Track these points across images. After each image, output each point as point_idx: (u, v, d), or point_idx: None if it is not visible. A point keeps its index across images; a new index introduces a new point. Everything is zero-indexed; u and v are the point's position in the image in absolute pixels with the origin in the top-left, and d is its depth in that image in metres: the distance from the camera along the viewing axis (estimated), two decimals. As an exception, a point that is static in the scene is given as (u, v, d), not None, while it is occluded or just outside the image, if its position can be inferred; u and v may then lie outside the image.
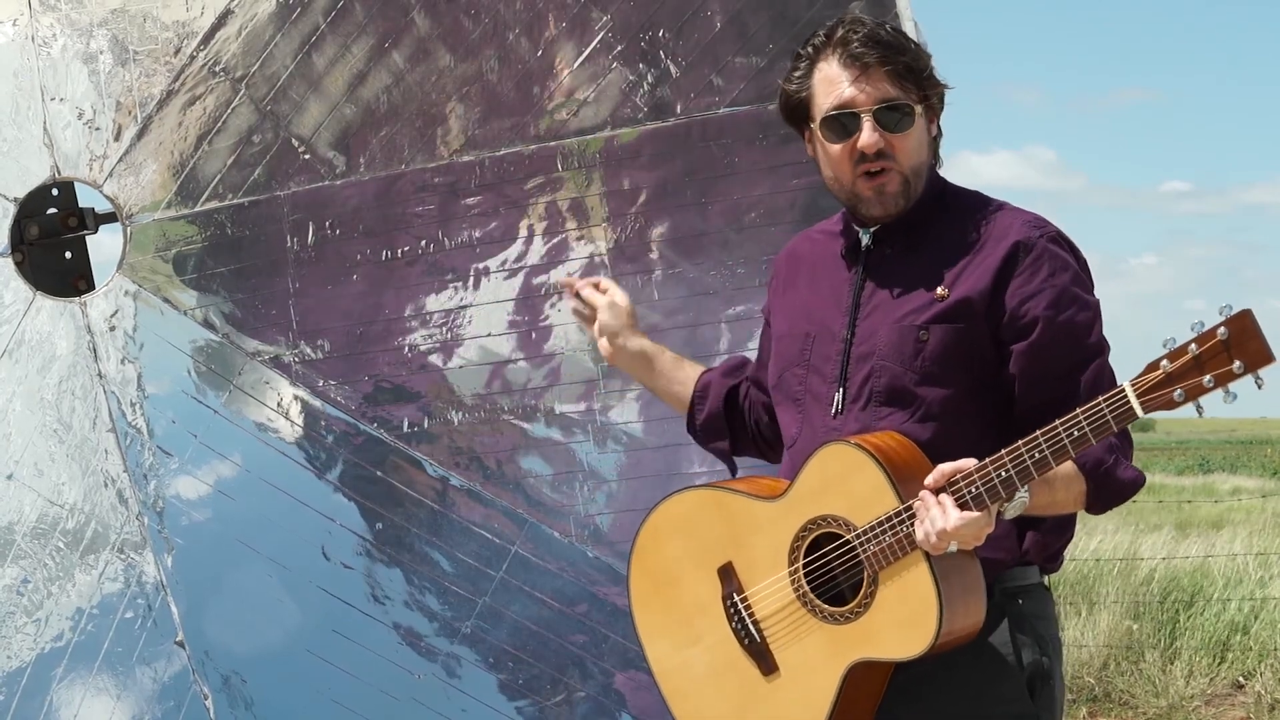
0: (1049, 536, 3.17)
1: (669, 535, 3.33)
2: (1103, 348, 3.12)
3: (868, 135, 3.14)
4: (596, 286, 3.61)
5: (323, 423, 5.65)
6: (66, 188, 5.94)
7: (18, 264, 5.87)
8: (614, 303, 3.56)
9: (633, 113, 5.36)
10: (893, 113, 3.15)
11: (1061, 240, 3.17)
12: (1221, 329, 2.72)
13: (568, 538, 5.43)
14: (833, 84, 3.17)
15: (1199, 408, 2.77)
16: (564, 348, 5.47)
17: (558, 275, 5.44)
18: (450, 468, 5.55)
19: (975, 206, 3.24)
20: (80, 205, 5.98)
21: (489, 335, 5.55)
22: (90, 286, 5.97)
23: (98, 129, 5.80)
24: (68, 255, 6.02)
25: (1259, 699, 9.28)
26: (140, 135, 5.76)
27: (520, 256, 5.53)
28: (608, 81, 5.37)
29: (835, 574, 3.08)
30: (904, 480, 3.00)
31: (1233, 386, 2.72)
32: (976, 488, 2.92)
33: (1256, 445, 53.30)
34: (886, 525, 2.99)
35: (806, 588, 3.10)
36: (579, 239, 5.47)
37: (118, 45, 5.80)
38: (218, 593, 5.57)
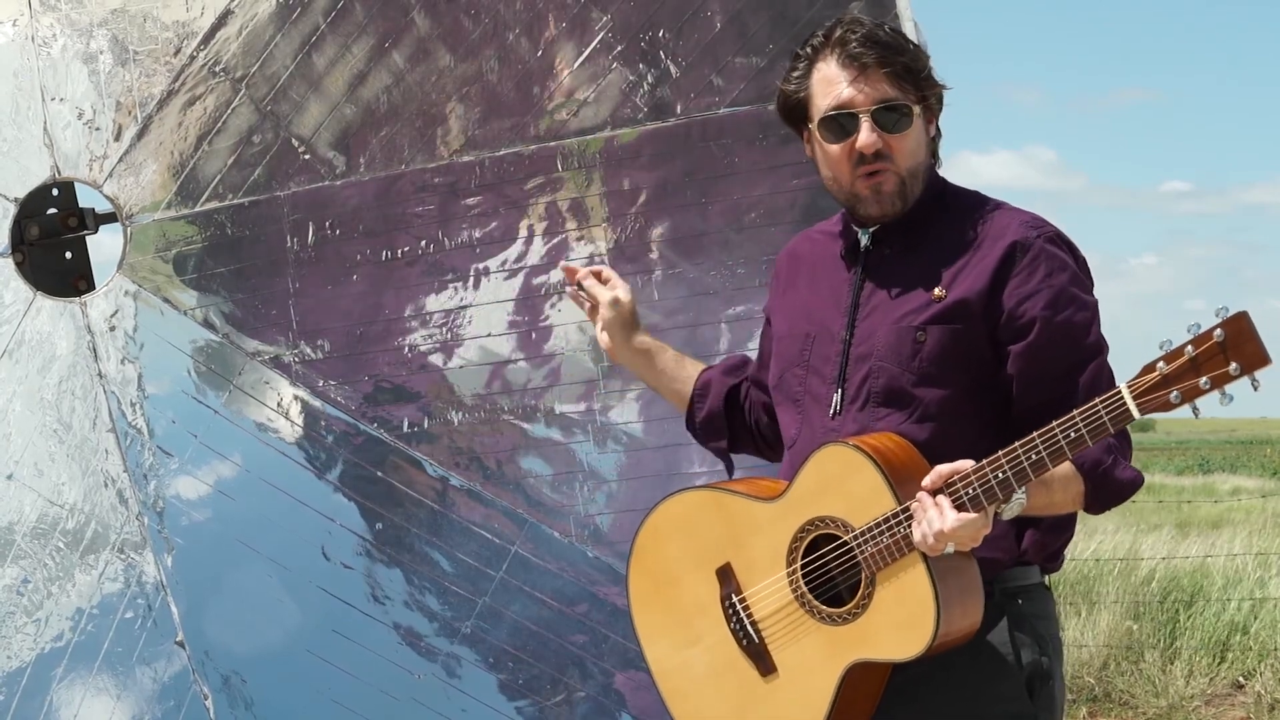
0: (1048, 536, 3.17)
1: (669, 536, 3.33)
2: (1101, 348, 3.11)
3: (865, 135, 3.14)
4: (598, 276, 3.59)
5: (323, 423, 5.65)
6: (66, 188, 5.94)
7: (18, 264, 5.87)
8: (616, 299, 3.55)
9: (633, 113, 5.36)
10: (890, 113, 3.15)
11: (1059, 240, 3.17)
12: (1218, 331, 2.73)
13: (568, 538, 5.43)
14: (831, 84, 3.17)
15: (1195, 409, 2.77)
16: (564, 348, 5.47)
17: (558, 275, 5.44)
18: (450, 468, 5.55)
19: (973, 206, 3.24)
20: (80, 205, 5.98)
21: (489, 335, 5.55)
22: (90, 286, 5.97)
23: (98, 129, 5.80)
24: (68, 255, 6.02)
25: (1259, 699, 9.28)
26: (140, 135, 5.76)
27: (520, 257, 5.53)
28: (608, 81, 5.37)
29: (833, 575, 3.08)
30: (902, 481, 3.00)
31: (1229, 388, 2.73)
32: (973, 489, 2.92)
33: (1256, 445, 53.30)
34: (884, 526, 2.99)
35: (805, 588, 3.10)
36: (579, 239, 5.47)
37: (118, 45, 5.80)
38: (218, 593, 5.57)
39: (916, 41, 3.42)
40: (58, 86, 5.84)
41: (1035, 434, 2.88)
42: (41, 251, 5.94)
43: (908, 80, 3.16)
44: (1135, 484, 3.10)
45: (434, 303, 5.59)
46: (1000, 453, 2.91)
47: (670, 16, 5.27)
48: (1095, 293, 3.18)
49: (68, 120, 5.82)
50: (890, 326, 3.16)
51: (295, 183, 5.67)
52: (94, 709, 5.45)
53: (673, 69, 5.29)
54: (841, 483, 3.05)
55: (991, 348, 3.12)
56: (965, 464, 2.94)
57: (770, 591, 3.14)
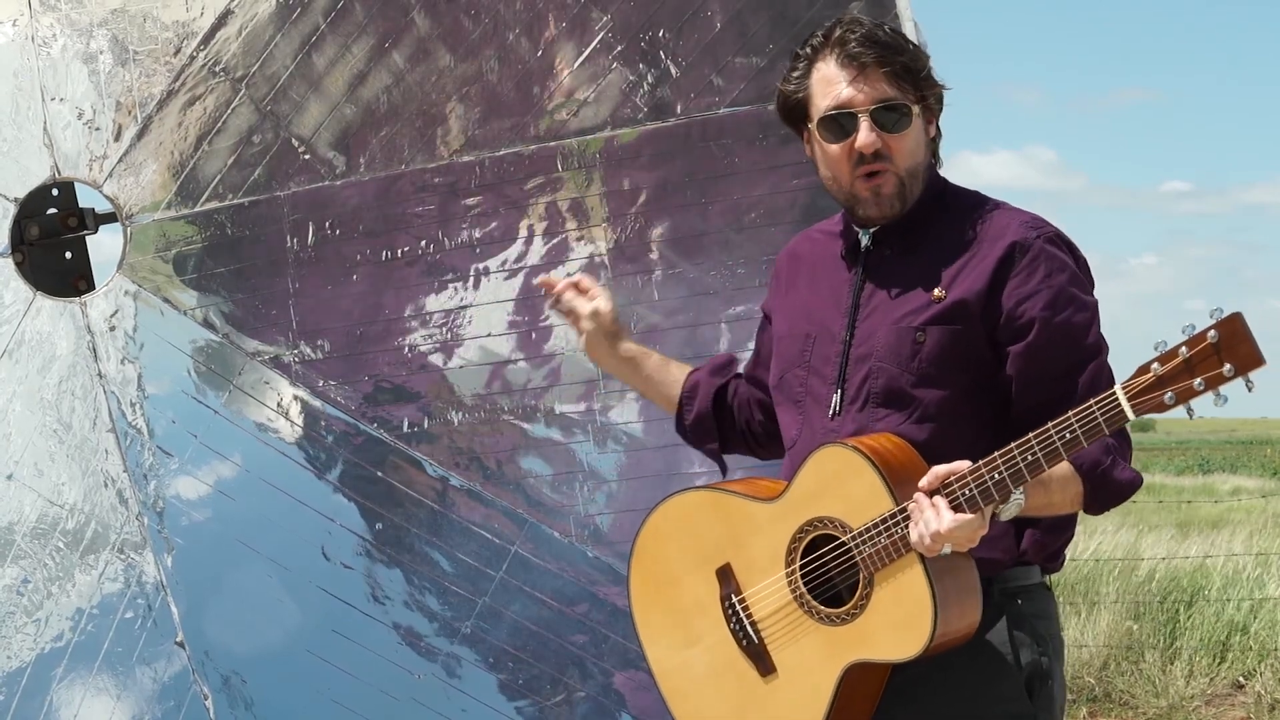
0: (1047, 537, 3.17)
1: (669, 536, 3.33)
2: (1100, 348, 3.11)
3: (865, 135, 3.14)
4: (577, 286, 3.59)
5: (323, 423, 5.65)
6: (66, 188, 5.94)
7: (18, 264, 5.87)
8: (597, 310, 3.55)
9: (633, 113, 5.36)
10: (890, 113, 3.15)
11: (1059, 240, 3.16)
12: (1212, 332, 2.73)
13: (568, 538, 5.43)
14: (830, 84, 3.17)
15: (1189, 410, 2.77)
16: (564, 348, 5.47)
17: (557, 276, 5.44)
18: (450, 468, 5.55)
19: (973, 206, 3.24)
20: (80, 205, 5.98)
21: (489, 335, 5.55)
22: (90, 286, 5.97)
23: (98, 129, 5.80)
24: (68, 255, 6.02)
25: (1259, 699, 9.28)
26: (140, 135, 5.76)
27: (520, 257, 5.53)
28: (608, 81, 5.37)
29: (832, 575, 3.08)
30: (900, 482, 3.00)
31: (1223, 389, 2.73)
32: (970, 490, 2.92)
33: (1256, 445, 53.31)
34: (881, 527, 2.99)
35: (803, 589, 3.10)
36: (579, 239, 5.47)
37: (118, 45, 5.80)
38: (218, 593, 5.57)
39: (916, 41, 3.42)
40: (58, 86, 5.84)
41: (1031, 435, 2.88)
42: (41, 251, 5.94)
43: (907, 80, 3.16)
44: (1134, 485, 3.10)
45: (434, 303, 5.59)
46: (996, 454, 2.91)
47: (670, 16, 5.27)
48: (1095, 293, 3.18)
49: (68, 120, 5.82)
50: (890, 327, 3.16)
51: (295, 183, 5.67)
52: (94, 709, 5.45)
53: (673, 69, 5.29)
54: (840, 483, 3.05)
55: (991, 348, 3.12)
56: (962, 465, 2.94)
57: (769, 592, 3.15)
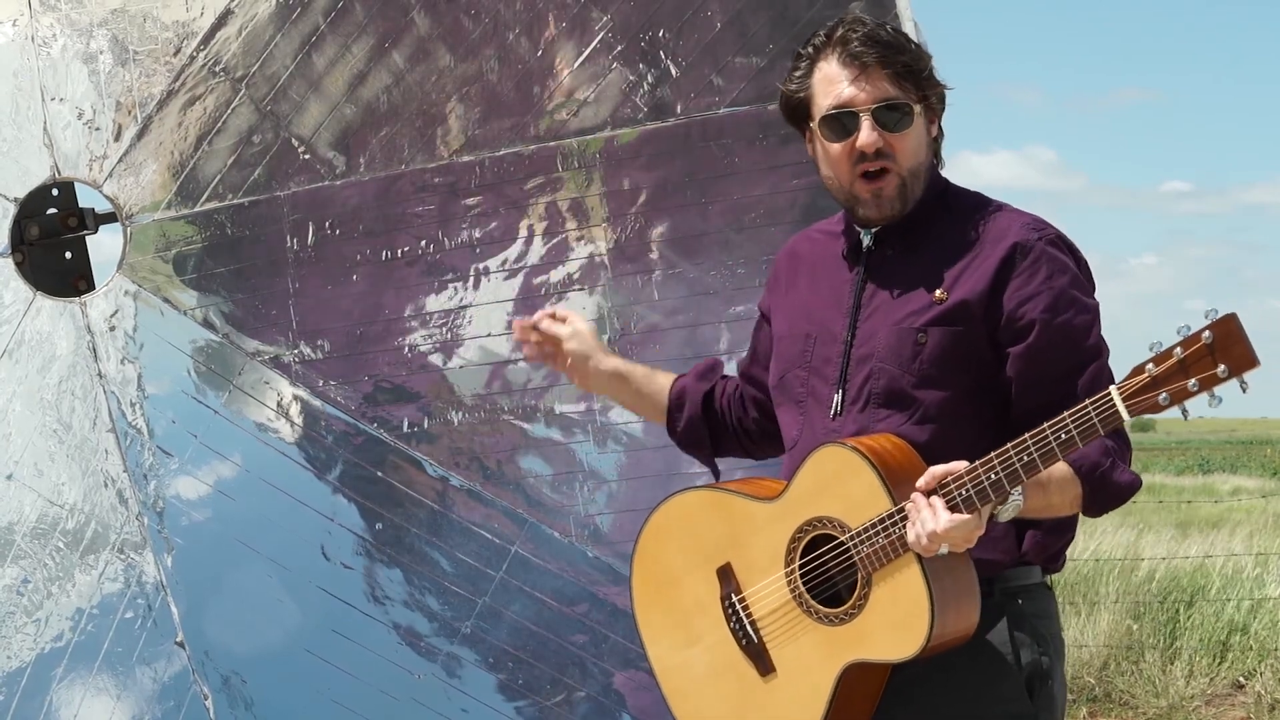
0: (1048, 537, 3.17)
1: (670, 536, 3.33)
2: (1101, 350, 3.11)
3: (866, 134, 3.14)
4: (553, 316, 3.59)
5: (323, 423, 5.65)
6: (66, 188, 5.94)
7: (18, 264, 5.87)
8: (577, 330, 3.55)
9: (633, 113, 5.36)
10: (892, 112, 3.15)
11: (1060, 242, 3.16)
12: (1206, 333, 2.73)
13: (568, 538, 5.43)
14: (832, 83, 3.17)
15: (1184, 411, 2.77)
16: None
17: (558, 276, 5.44)
18: (450, 468, 5.55)
19: (975, 207, 3.23)
20: (80, 205, 5.98)
21: (489, 335, 5.55)
22: (90, 286, 5.97)
23: (98, 129, 5.80)
24: (68, 255, 6.02)
25: (1259, 699, 9.27)
26: (140, 135, 5.76)
27: (520, 256, 5.53)
28: (608, 81, 5.37)
29: (831, 575, 3.08)
30: (898, 483, 3.00)
31: (1218, 390, 2.73)
32: (967, 490, 2.91)
33: (1256, 445, 53.31)
34: (879, 527, 2.99)
35: (802, 588, 3.10)
36: (579, 239, 5.47)
37: (118, 45, 5.80)
38: (218, 593, 5.57)
39: (917, 41, 3.42)
40: (58, 86, 5.84)
41: (1027, 436, 2.88)
42: (41, 251, 5.94)
43: (909, 80, 3.16)
44: (1133, 487, 3.09)
45: (434, 303, 5.59)
46: (993, 454, 2.90)
47: (670, 16, 5.28)
48: (1096, 294, 3.18)
49: (68, 120, 5.82)
50: (891, 328, 3.16)
51: (295, 183, 5.67)
52: (94, 709, 5.45)
53: (673, 69, 5.29)
54: (838, 483, 3.05)
55: (992, 349, 3.11)
56: (959, 465, 2.94)
57: (769, 591, 3.15)
